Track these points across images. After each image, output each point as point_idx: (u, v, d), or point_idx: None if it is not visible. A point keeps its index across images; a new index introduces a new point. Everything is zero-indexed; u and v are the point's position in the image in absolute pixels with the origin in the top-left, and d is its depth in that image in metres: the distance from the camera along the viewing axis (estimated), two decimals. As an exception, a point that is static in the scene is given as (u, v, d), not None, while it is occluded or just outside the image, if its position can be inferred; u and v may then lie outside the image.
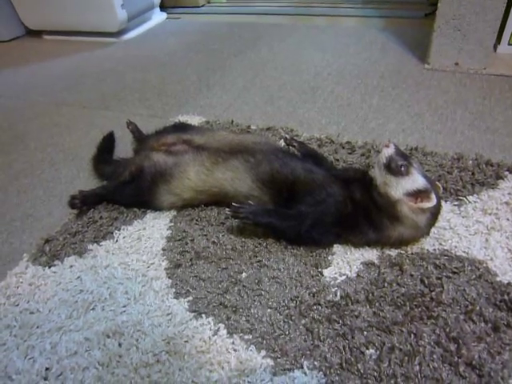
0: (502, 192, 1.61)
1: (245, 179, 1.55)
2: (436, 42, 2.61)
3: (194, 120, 2.31)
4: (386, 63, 2.79)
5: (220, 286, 1.39)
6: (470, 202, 1.59)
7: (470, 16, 2.45)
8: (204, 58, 3.16)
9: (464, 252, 1.41)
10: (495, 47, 2.70)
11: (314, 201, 1.43)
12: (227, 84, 2.75)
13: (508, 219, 1.51)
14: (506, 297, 1.24)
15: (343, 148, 1.94)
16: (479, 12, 2.41)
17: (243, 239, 1.54)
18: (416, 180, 1.35)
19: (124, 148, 2.14)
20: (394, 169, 1.37)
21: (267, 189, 1.52)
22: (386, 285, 1.32)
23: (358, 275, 1.37)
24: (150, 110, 2.52)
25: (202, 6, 4.65)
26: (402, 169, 1.36)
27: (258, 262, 1.45)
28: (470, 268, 1.35)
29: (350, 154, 1.86)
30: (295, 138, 1.93)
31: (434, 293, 1.27)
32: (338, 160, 1.80)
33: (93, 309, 1.35)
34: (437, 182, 1.48)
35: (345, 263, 1.42)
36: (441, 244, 1.44)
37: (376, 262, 1.41)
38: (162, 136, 1.85)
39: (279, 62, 2.99)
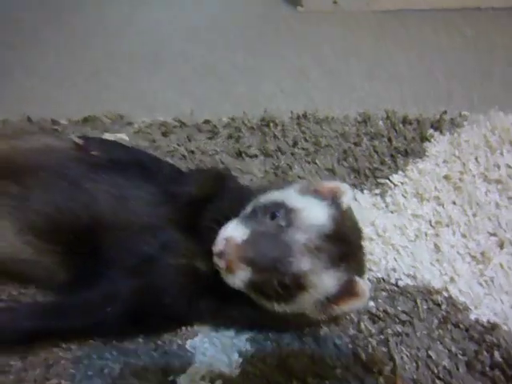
0: (434, 161, 1.09)
1: (3, 230, 0.79)
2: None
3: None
4: (249, 12, 2.13)
5: None
6: (395, 184, 1.04)
7: None
8: (-3, 33, 2.20)
9: (409, 275, 0.85)
10: (374, -20, 2.22)
11: (130, 264, 0.75)
12: (31, 65, 1.86)
13: (455, 203, 0.99)
14: (496, 353, 0.70)
15: (200, 131, 1.26)
16: None
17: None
18: (319, 284, 0.68)
19: None
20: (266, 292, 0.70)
21: (48, 244, 0.78)
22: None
23: (242, 372, 0.72)
24: None
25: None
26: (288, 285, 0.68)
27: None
28: (425, 307, 0.78)
29: (210, 138, 1.21)
30: (118, 133, 1.20)
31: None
32: (193, 152, 1.14)
33: None
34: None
35: (219, 351, 0.75)
36: (371, 270, 0.86)
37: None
38: None
39: (110, 26, 2.16)
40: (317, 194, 0.75)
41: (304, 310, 0.71)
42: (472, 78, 1.47)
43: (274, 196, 0.76)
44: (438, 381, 0.69)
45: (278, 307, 0.70)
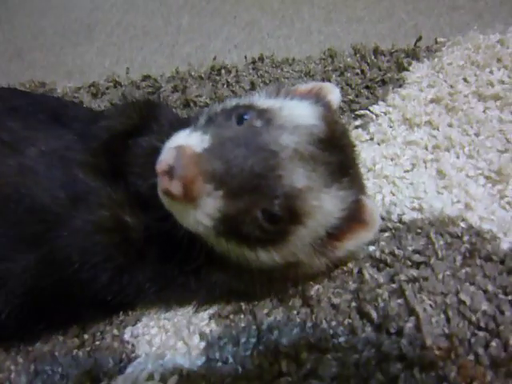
0: (417, 87, 0.92)
1: None
2: None
3: None
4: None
5: None
6: (377, 114, 0.86)
7: None
8: None
9: (413, 208, 0.66)
10: None
11: (28, 232, 0.54)
12: None
13: (451, 125, 0.81)
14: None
15: (139, 88, 1.05)
16: None
17: None
18: (320, 209, 0.47)
19: None
20: (244, 231, 0.47)
21: None
22: None
23: (207, 361, 0.50)
24: None
25: None
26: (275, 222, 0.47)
27: None
28: (442, 242, 0.59)
29: (151, 94, 0.99)
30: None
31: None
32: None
33: None
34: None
35: (171, 337, 0.53)
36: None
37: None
38: None
39: (36, 3, 1.91)
40: (293, 96, 0.55)
41: (297, 256, 0.50)
42: (438, 11, 1.33)
43: (236, 101, 0.55)
44: (480, 332, 0.49)
45: (264, 255, 0.48)
